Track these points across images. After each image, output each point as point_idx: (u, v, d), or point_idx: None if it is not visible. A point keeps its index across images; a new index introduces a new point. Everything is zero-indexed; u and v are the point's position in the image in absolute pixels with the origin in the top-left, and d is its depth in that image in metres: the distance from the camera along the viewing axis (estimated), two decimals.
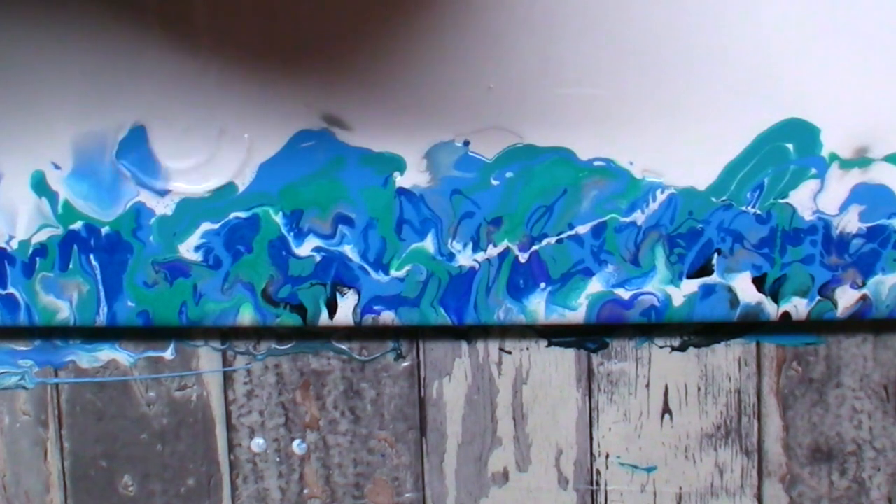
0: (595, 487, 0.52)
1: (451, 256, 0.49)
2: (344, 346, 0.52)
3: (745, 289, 0.48)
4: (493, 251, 0.49)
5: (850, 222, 0.48)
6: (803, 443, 0.51)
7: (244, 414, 0.53)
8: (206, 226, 0.49)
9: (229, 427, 0.53)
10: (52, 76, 0.49)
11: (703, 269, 0.48)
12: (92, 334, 0.52)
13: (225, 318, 0.50)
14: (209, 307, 0.50)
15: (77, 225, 0.49)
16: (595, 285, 0.49)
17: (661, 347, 0.51)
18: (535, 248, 0.49)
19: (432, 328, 0.51)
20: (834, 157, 0.47)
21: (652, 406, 0.51)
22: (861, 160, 0.47)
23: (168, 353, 0.52)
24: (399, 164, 0.48)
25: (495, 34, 0.47)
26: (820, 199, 0.48)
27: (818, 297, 0.48)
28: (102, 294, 0.50)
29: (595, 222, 0.48)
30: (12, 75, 0.49)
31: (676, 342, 0.51)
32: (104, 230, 0.49)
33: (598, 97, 0.48)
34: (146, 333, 0.52)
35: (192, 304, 0.50)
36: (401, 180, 0.49)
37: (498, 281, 0.49)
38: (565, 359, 0.51)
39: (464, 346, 0.52)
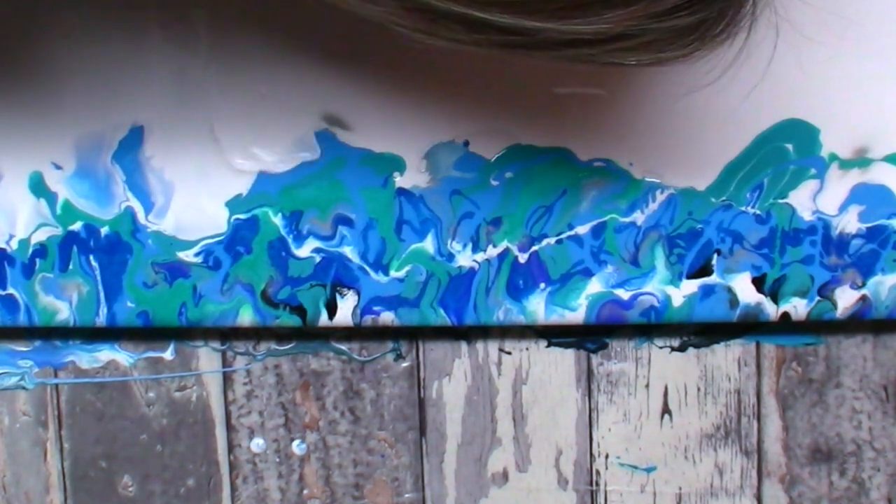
0: (595, 488, 0.52)
1: (451, 257, 0.49)
2: (344, 347, 0.52)
3: (745, 289, 0.48)
4: (492, 251, 0.49)
5: (850, 223, 0.48)
6: (803, 443, 0.51)
7: (244, 414, 0.53)
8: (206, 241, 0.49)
9: (229, 427, 0.53)
10: (52, 76, 0.49)
11: (703, 270, 0.48)
12: (92, 335, 0.52)
13: (224, 319, 0.50)
14: (209, 308, 0.50)
15: (77, 226, 0.49)
16: (595, 286, 0.49)
17: (660, 348, 0.51)
18: (534, 248, 0.49)
19: (432, 329, 0.51)
20: (833, 157, 0.47)
21: (652, 406, 0.51)
22: (861, 160, 0.47)
23: (168, 354, 0.52)
24: (399, 165, 0.48)
25: None
26: (819, 199, 0.48)
27: (818, 298, 0.48)
28: (102, 294, 0.50)
29: (595, 222, 0.48)
30: (12, 75, 0.49)
31: (676, 342, 0.51)
32: (104, 230, 0.49)
33: (598, 97, 0.48)
34: (146, 334, 0.52)
35: (191, 304, 0.50)
36: (400, 181, 0.49)
37: (497, 281, 0.49)
38: (565, 359, 0.51)
39: (463, 346, 0.52)
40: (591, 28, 0.33)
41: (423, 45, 0.35)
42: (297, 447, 0.53)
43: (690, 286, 0.49)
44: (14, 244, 0.50)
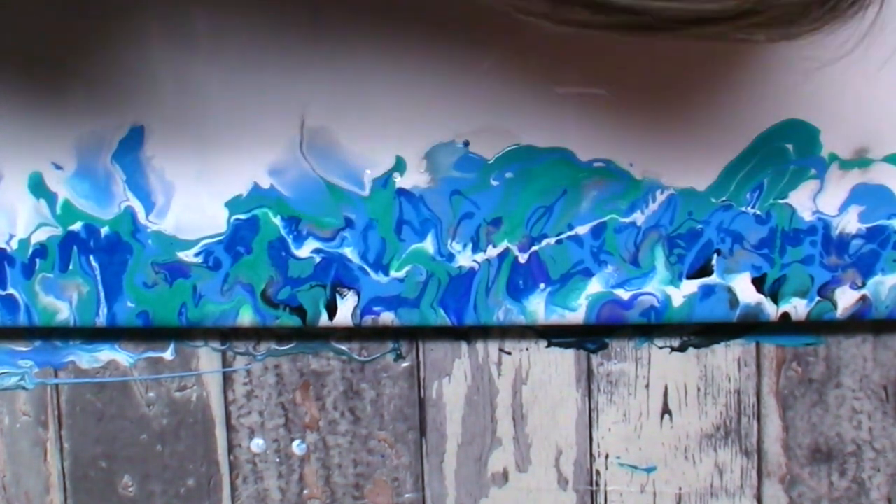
0: (595, 488, 0.52)
1: (451, 257, 0.49)
2: (344, 347, 0.52)
3: (745, 289, 0.48)
4: (492, 252, 0.49)
5: (850, 223, 0.48)
6: (803, 443, 0.51)
7: (244, 414, 0.53)
8: (206, 241, 0.49)
9: (229, 427, 0.53)
10: (52, 76, 0.49)
11: (703, 270, 0.48)
12: (92, 335, 0.52)
13: (224, 320, 0.50)
14: (209, 308, 0.50)
15: (77, 226, 0.49)
16: (595, 286, 0.49)
17: (660, 348, 0.51)
18: (534, 248, 0.49)
19: (432, 329, 0.51)
20: (833, 157, 0.47)
21: (652, 406, 0.51)
22: (861, 160, 0.47)
23: (168, 354, 0.52)
24: (399, 165, 0.48)
25: (495, 34, 0.47)
26: (819, 199, 0.48)
27: (818, 298, 0.48)
28: (102, 295, 0.50)
29: (595, 223, 0.48)
30: (12, 75, 0.49)
31: (676, 343, 0.51)
32: (104, 230, 0.49)
33: (598, 97, 0.48)
34: (146, 334, 0.52)
35: (191, 305, 0.50)
36: (401, 181, 0.49)
37: (497, 281, 0.49)
38: (565, 359, 0.51)
39: (463, 346, 0.52)
40: (716, 5, 0.33)
41: (548, 32, 0.35)
42: (297, 447, 0.53)
43: (690, 286, 0.49)
44: (14, 244, 0.50)
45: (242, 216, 0.49)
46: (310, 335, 0.52)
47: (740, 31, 0.34)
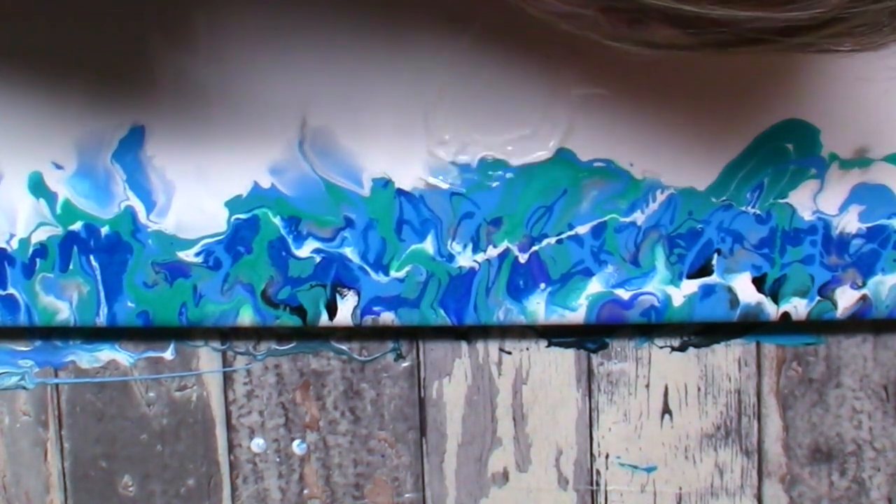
0: (595, 488, 0.52)
1: (451, 257, 0.49)
2: (344, 347, 0.52)
3: (745, 289, 0.48)
4: (492, 252, 0.49)
5: (850, 222, 0.48)
6: (803, 443, 0.51)
7: (244, 414, 0.53)
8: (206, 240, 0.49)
9: (229, 427, 0.53)
10: (52, 76, 0.49)
11: (703, 270, 0.48)
12: (92, 335, 0.52)
13: (225, 320, 0.50)
14: (209, 308, 0.50)
15: (77, 226, 0.49)
16: (595, 286, 0.49)
17: (661, 348, 0.51)
18: (534, 248, 0.49)
19: (432, 329, 0.51)
20: (833, 157, 0.47)
21: (652, 406, 0.51)
22: (861, 160, 0.47)
23: (168, 354, 0.52)
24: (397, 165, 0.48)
25: (495, 34, 0.47)
26: (820, 199, 0.48)
27: (818, 298, 0.48)
28: (102, 294, 0.50)
29: (595, 222, 0.48)
30: (12, 75, 0.49)
31: (676, 342, 0.51)
32: (104, 230, 0.49)
33: (599, 97, 0.48)
34: (146, 334, 0.52)
35: (191, 304, 0.50)
36: (401, 182, 0.49)
37: (498, 281, 0.49)
38: (565, 359, 0.51)
39: (464, 346, 0.52)
40: (806, 13, 0.32)
41: (638, 57, 0.35)
42: (297, 447, 0.53)
43: (691, 286, 0.49)
44: (14, 244, 0.50)
45: (242, 216, 0.49)
46: (310, 335, 0.52)
47: (827, 40, 0.34)
